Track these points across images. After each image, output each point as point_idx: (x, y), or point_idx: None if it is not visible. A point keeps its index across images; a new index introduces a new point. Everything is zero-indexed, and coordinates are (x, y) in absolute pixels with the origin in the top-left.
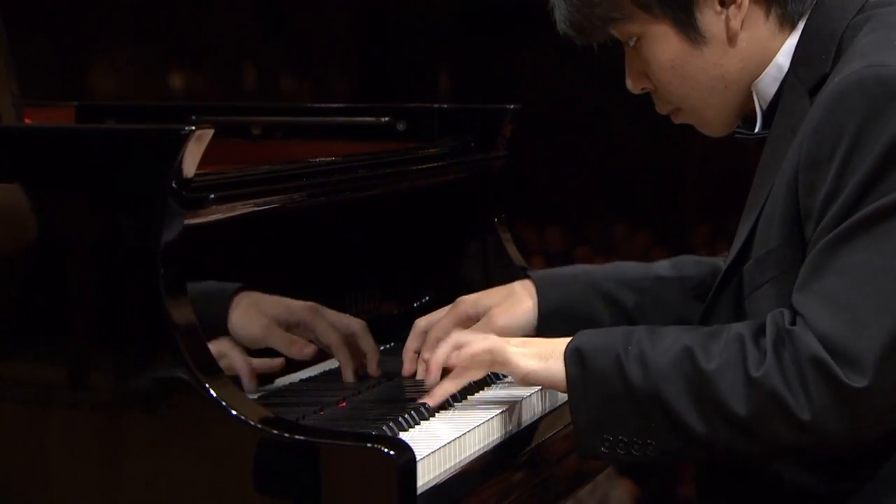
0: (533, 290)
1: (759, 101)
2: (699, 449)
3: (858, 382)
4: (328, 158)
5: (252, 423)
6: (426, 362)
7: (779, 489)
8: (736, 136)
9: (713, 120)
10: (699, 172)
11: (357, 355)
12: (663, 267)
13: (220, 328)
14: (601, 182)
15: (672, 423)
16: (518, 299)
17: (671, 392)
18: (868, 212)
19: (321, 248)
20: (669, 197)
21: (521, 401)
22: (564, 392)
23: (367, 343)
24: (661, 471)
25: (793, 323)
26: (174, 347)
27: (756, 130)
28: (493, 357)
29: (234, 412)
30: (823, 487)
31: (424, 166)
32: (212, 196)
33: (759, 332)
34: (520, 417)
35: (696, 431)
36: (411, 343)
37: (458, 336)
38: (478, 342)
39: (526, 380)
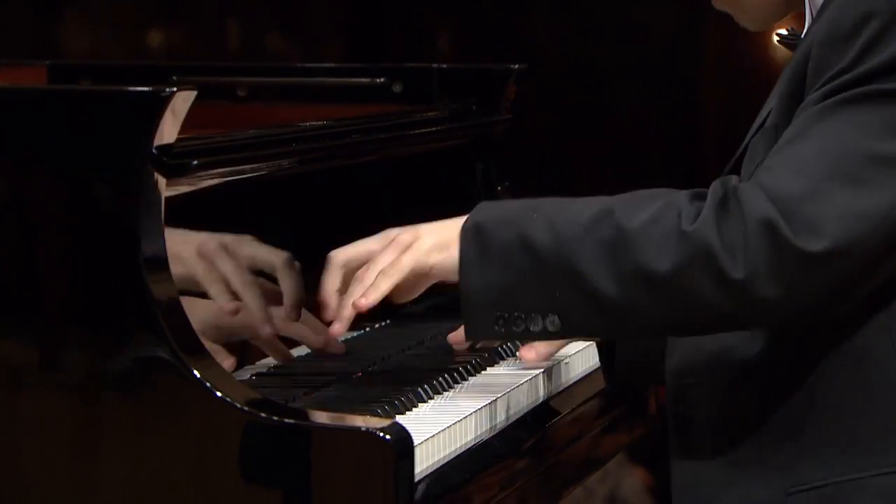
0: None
1: (809, 2)
2: (613, 320)
3: (811, 245)
4: (319, 122)
5: (238, 406)
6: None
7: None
8: (777, 39)
9: (752, 6)
10: (721, 139)
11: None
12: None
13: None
14: (614, 149)
15: (580, 290)
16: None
17: (583, 256)
18: (869, 90)
19: (311, 218)
20: (689, 165)
21: (525, 382)
22: None
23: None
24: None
25: (747, 182)
26: (154, 325)
27: (803, 36)
28: (413, 270)
29: (218, 394)
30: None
31: (422, 131)
32: (195, 162)
33: (699, 195)
34: (524, 400)
35: (611, 298)
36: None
37: (374, 262)
38: (396, 268)
39: (432, 275)
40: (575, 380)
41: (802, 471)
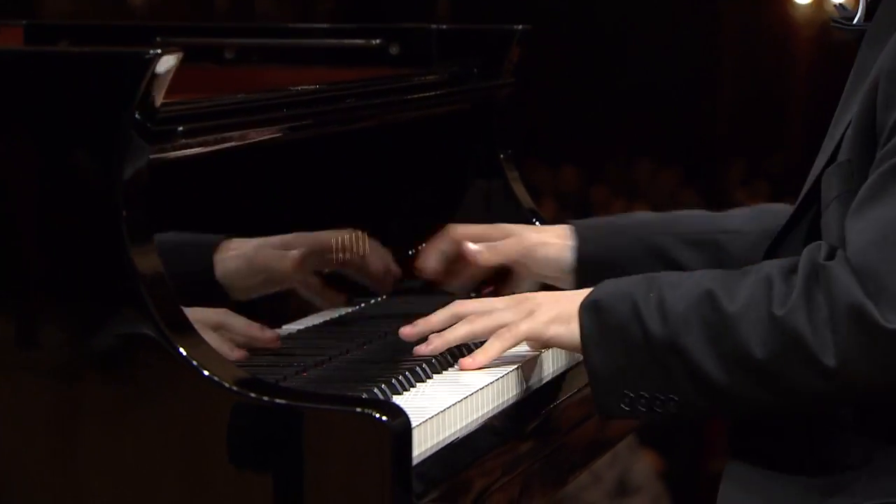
0: (570, 236)
1: None
2: (722, 403)
3: None
4: (311, 87)
5: (227, 386)
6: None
7: (815, 454)
8: (832, 24)
9: None
10: (734, 100)
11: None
12: (736, 218)
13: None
14: (622, 113)
15: (692, 374)
16: (552, 242)
17: (690, 339)
18: None
19: (303, 188)
20: (699, 129)
21: (529, 361)
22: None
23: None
24: (689, 441)
25: (830, 257)
26: (139, 300)
27: (855, 21)
28: (528, 339)
29: (206, 373)
30: (860, 453)
31: (420, 95)
32: (180, 129)
33: (793, 268)
34: (528, 380)
35: (717, 382)
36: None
37: (490, 313)
38: (513, 333)
39: (548, 345)
40: (582, 358)
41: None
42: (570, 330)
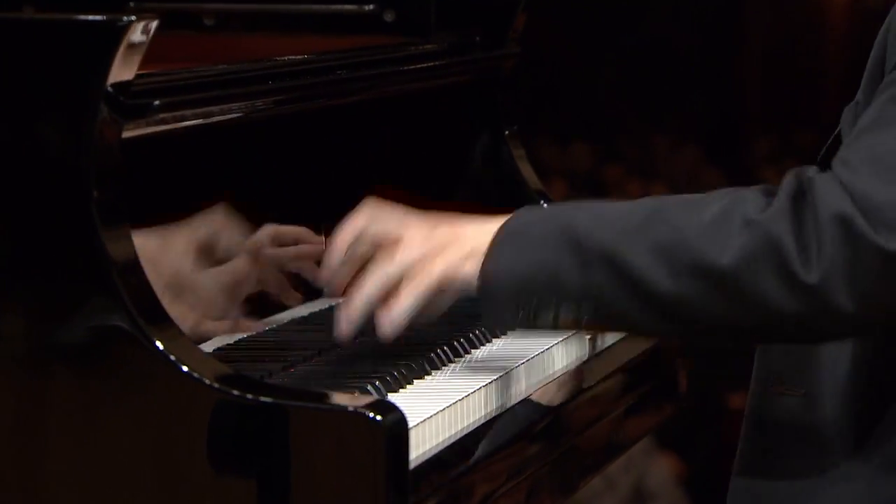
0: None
1: None
2: (656, 314)
3: (892, 244)
4: (299, 56)
5: (207, 382)
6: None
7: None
8: None
9: None
10: (762, 69)
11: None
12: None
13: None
14: (638, 84)
15: (624, 279)
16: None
17: (633, 249)
18: None
19: (290, 167)
20: (724, 101)
21: (537, 355)
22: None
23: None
24: (712, 442)
25: (822, 172)
26: (111, 288)
27: None
28: (442, 281)
29: (184, 368)
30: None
31: (417, 66)
32: (156, 102)
33: (773, 191)
34: (536, 376)
35: (659, 290)
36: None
37: (392, 261)
38: (426, 276)
39: (458, 286)
40: (589, 356)
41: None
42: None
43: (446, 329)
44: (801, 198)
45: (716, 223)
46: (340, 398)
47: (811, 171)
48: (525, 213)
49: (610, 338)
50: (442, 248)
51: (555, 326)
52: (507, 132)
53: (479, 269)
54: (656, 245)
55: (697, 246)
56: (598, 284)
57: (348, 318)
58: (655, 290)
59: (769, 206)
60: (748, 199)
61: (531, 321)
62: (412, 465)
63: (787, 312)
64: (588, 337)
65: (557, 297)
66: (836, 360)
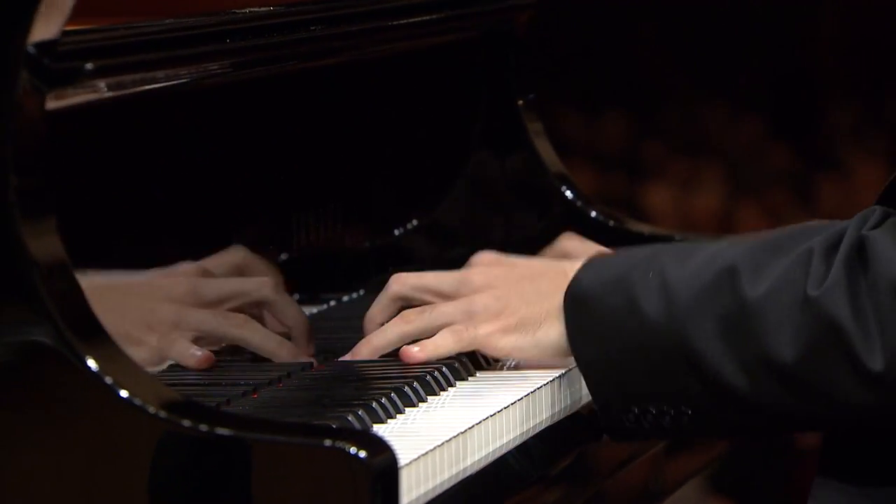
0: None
1: None
2: (745, 415)
3: None
4: (264, 8)
5: (151, 411)
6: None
7: None
8: None
9: None
10: (842, 21)
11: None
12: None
13: None
14: (685, 41)
15: (705, 378)
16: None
17: (700, 335)
18: None
19: (255, 146)
20: (793, 62)
21: (556, 379)
22: (560, 367)
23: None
24: (777, 486)
25: (880, 223)
26: (32, 295)
27: None
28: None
29: (123, 393)
30: None
31: (411, 20)
32: (88, 66)
33: (838, 241)
34: (556, 404)
35: (736, 389)
36: (383, 310)
37: (432, 311)
38: (469, 336)
39: (511, 357)
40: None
41: None
42: (537, 340)
43: None
44: (856, 262)
45: (777, 299)
46: (315, 431)
47: (875, 216)
48: (590, 276)
49: None
50: (492, 316)
51: (666, 437)
52: (521, 102)
53: (523, 344)
54: (720, 326)
55: (760, 332)
56: (685, 386)
57: (373, 347)
58: (732, 386)
59: (827, 274)
60: (812, 264)
61: (643, 431)
62: None
63: (859, 404)
64: None
65: (654, 403)
66: None
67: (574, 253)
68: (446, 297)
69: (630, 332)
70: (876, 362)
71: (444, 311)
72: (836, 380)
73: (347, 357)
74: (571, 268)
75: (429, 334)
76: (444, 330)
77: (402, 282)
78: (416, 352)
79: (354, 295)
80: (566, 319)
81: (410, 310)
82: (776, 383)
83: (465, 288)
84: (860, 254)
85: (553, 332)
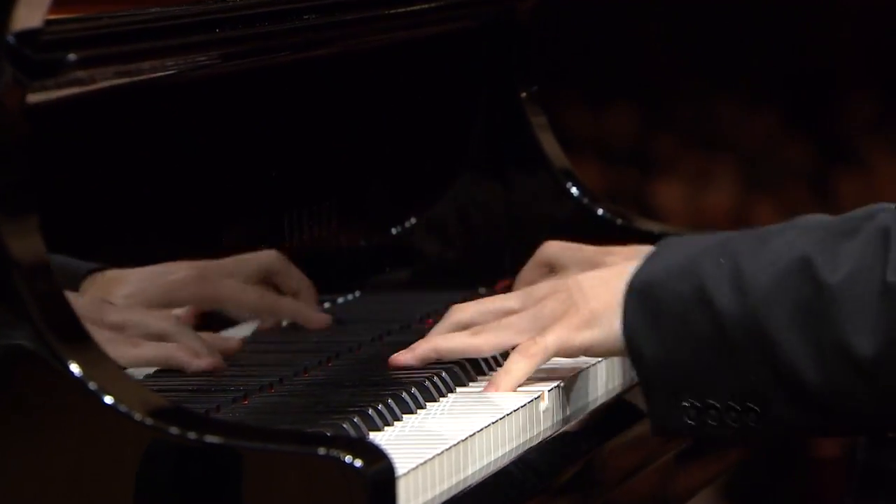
0: None
1: None
2: (820, 413)
3: None
4: None
5: (137, 418)
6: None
7: None
8: None
9: None
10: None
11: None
12: None
13: None
14: (698, 28)
15: (778, 370)
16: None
17: (776, 325)
18: None
19: (245, 141)
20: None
21: (560, 385)
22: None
23: (290, 278)
24: (793, 495)
25: None
26: (13, 297)
27: None
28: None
29: (108, 399)
30: None
31: (408, 9)
32: (71, 57)
33: None
34: (561, 411)
35: (811, 383)
36: (529, 273)
37: (500, 324)
38: (539, 349)
39: (586, 355)
40: (636, 382)
41: None
42: (610, 331)
43: None
44: None
45: (855, 287)
46: (308, 439)
47: None
48: (655, 265)
49: None
50: (555, 317)
51: (729, 436)
52: (524, 94)
53: (597, 337)
54: (798, 315)
55: (838, 322)
56: (755, 382)
57: (436, 348)
58: (806, 379)
59: None
60: (888, 243)
61: (703, 430)
62: None
63: None
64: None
65: (719, 399)
66: None
67: (559, 259)
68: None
69: (697, 321)
70: None
71: (511, 321)
72: None
73: (401, 355)
74: (637, 254)
75: (496, 347)
76: (512, 354)
77: (464, 309)
78: (493, 389)
79: (350, 297)
80: (624, 307)
81: (481, 326)
82: (853, 376)
83: (530, 300)
84: None
85: (616, 323)
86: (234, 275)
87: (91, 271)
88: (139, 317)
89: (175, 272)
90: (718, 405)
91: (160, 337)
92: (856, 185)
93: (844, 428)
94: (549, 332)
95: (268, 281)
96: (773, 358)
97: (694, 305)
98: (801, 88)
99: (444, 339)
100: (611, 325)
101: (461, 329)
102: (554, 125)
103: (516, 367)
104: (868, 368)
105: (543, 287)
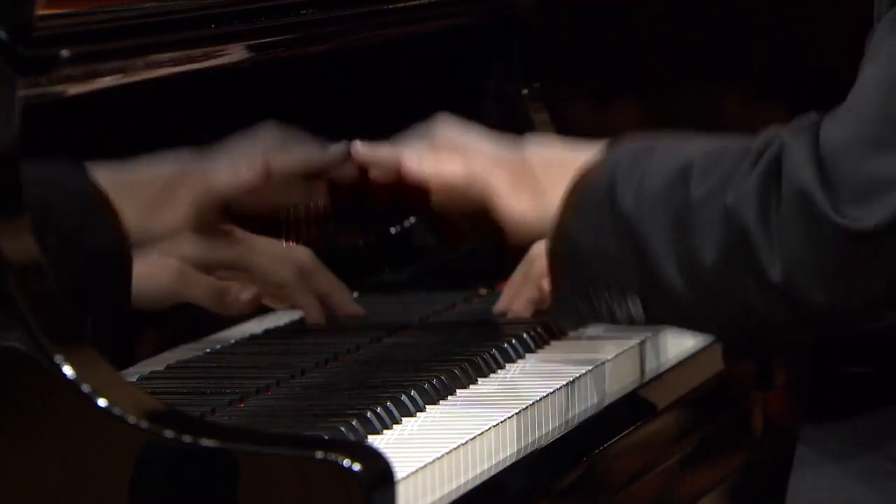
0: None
1: None
2: (682, 315)
3: (858, 221)
4: None
5: (132, 421)
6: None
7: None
8: None
9: None
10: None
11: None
12: None
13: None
14: (701, 23)
15: (651, 272)
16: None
17: (653, 230)
18: None
19: (240, 134)
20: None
21: (563, 387)
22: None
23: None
24: None
25: (805, 128)
26: (5, 298)
27: None
28: (473, 187)
29: (101, 402)
30: None
31: (408, 4)
32: (64, 53)
33: (771, 142)
34: (564, 413)
35: (673, 288)
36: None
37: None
38: (458, 161)
39: (515, 227)
40: (637, 385)
41: None
42: (543, 206)
43: (442, 351)
44: (772, 169)
45: (713, 200)
46: (305, 442)
47: (807, 120)
48: (588, 174)
49: (662, 364)
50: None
51: (615, 321)
52: (526, 91)
53: (531, 205)
54: (670, 223)
55: (693, 233)
56: (639, 277)
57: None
58: (670, 284)
59: (746, 178)
60: (742, 165)
61: (592, 312)
62: None
63: (765, 314)
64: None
65: (612, 286)
66: None
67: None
68: None
69: (602, 217)
70: (774, 268)
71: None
72: (746, 290)
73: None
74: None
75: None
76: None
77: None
78: (413, 161)
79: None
80: (568, 190)
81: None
82: (701, 287)
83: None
84: (775, 159)
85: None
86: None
87: None
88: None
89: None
90: (609, 292)
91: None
92: None
93: (706, 330)
94: (494, 173)
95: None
96: (647, 261)
97: (604, 201)
98: (806, 86)
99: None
100: (543, 200)
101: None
102: (555, 121)
103: (452, 165)
104: (708, 280)
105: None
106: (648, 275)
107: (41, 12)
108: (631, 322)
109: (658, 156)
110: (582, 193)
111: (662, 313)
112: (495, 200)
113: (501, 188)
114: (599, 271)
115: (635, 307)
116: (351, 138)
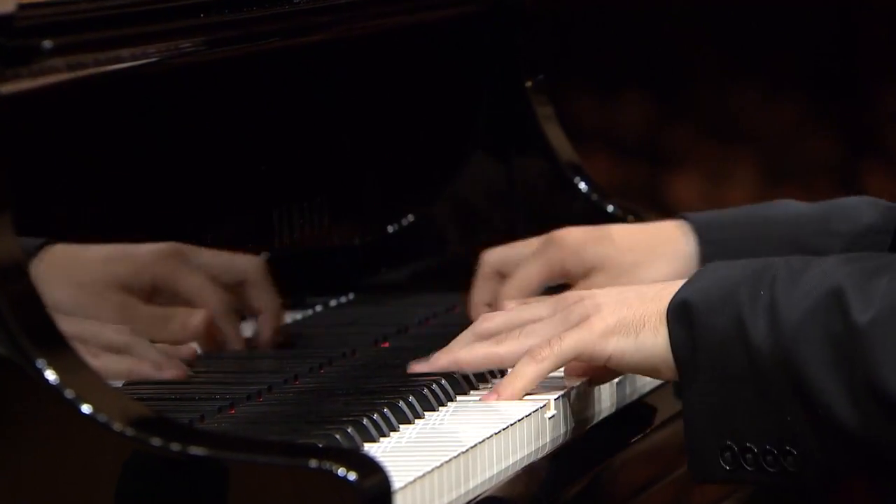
0: (690, 235)
1: None
2: (856, 455)
3: None
4: None
5: (117, 428)
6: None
7: None
8: None
9: None
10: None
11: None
12: (870, 216)
13: None
14: (714, 14)
15: (812, 409)
16: (668, 249)
17: (808, 358)
18: None
19: (232, 133)
20: (835, 39)
21: (566, 394)
22: (670, 378)
23: (262, 294)
24: None
25: None
26: None
27: None
28: (579, 357)
29: (86, 408)
30: None
31: None
32: (46, 44)
33: None
34: (569, 420)
35: (846, 423)
36: (480, 290)
37: (523, 330)
38: (553, 351)
39: (609, 367)
40: (650, 388)
41: None
42: (640, 343)
43: None
44: None
45: (885, 322)
46: (299, 450)
47: None
48: (696, 286)
49: None
50: (581, 320)
51: (763, 484)
52: (529, 83)
53: (629, 346)
54: (832, 353)
55: (870, 361)
56: (791, 422)
57: (456, 361)
58: (841, 420)
59: None
60: None
61: (738, 476)
62: None
63: None
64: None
65: (755, 442)
66: None
67: (505, 264)
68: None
69: (734, 354)
70: None
71: (535, 327)
72: None
73: (419, 365)
74: (678, 282)
75: (520, 356)
76: (522, 357)
77: (491, 318)
78: (495, 397)
79: (343, 299)
80: (671, 332)
81: (504, 334)
82: (886, 417)
83: (560, 305)
84: None
85: (659, 336)
86: (207, 266)
87: (44, 244)
88: (96, 329)
89: (142, 247)
90: (756, 448)
91: (118, 350)
92: (884, 178)
93: (888, 469)
94: (566, 336)
95: (239, 288)
96: (806, 397)
97: (731, 338)
98: (825, 75)
99: (465, 351)
100: (636, 336)
101: (486, 339)
102: (561, 116)
103: (523, 370)
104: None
105: (575, 293)
106: (811, 414)
107: (23, 1)
108: (785, 481)
109: (781, 282)
110: (693, 336)
111: (828, 457)
112: (589, 357)
113: (589, 347)
114: (740, 424)
115: (792, 463)
116: (347, 130)
